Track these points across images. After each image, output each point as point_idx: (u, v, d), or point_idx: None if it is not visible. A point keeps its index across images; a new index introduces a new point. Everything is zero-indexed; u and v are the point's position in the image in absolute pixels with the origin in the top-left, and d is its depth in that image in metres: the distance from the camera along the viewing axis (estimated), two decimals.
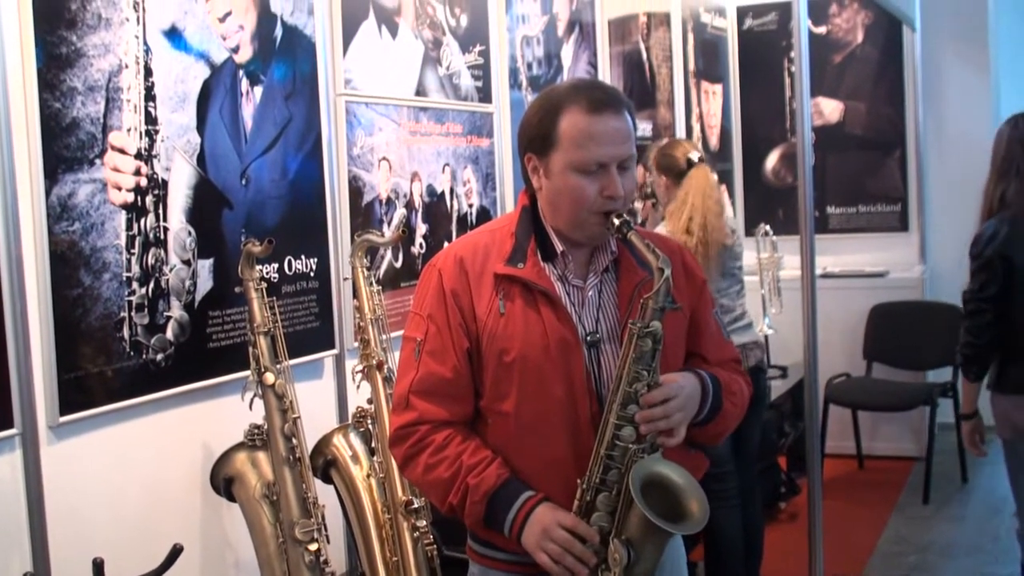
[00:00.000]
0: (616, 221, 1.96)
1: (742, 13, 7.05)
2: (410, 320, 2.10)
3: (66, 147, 2.55)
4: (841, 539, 4.82)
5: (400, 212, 3.75)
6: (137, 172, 2.73)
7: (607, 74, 5.26)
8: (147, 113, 2.76)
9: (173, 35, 2.84)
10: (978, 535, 5.01)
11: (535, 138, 2.03)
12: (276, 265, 3.20)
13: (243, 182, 3.07)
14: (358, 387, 3.16)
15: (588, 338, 2.02)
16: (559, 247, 2.05)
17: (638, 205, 5.37)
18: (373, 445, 3.10)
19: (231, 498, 2.87)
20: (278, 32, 3.21)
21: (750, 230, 6.27)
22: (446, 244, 3.92)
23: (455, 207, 4.05)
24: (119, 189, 2.68)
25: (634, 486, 1.84)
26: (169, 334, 2.84)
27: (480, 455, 1.99)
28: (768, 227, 5.91)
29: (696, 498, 1.89)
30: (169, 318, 2.84)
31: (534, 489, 1.98)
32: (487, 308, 2.01)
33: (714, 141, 6.70)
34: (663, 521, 1.82)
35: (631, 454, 1.90)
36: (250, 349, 2.81)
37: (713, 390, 2.04)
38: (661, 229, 4.11)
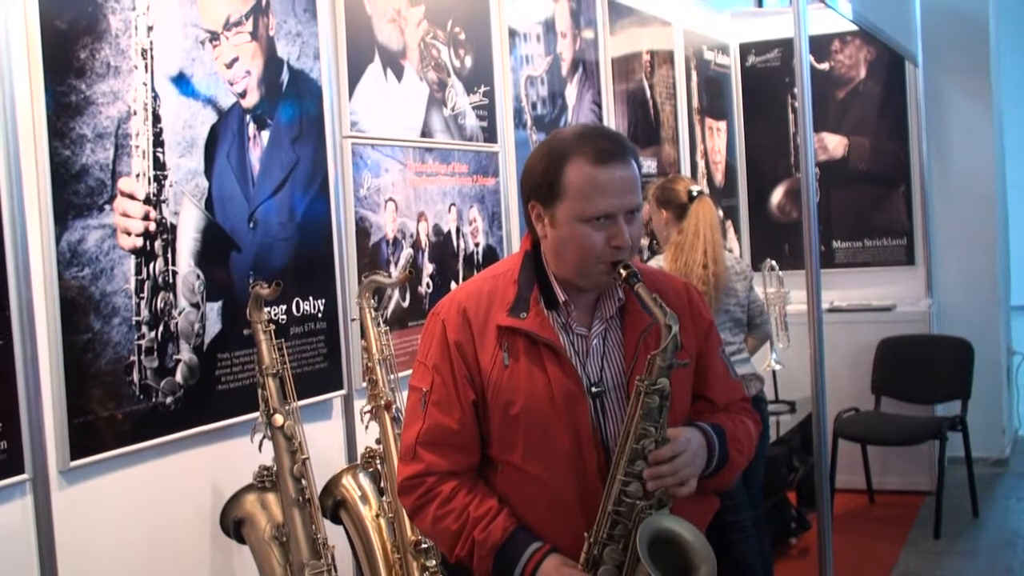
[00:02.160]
0: (623, 272, 1.95)
1: (745, 50, 7.11)
2: (416, 369, 2.10)
3: (76, 194, 2.57)
4: (852, 575, 4.79)
5: (407, 252, 3.77)
6: (146, 217, 2.76)
7: (611, 112, 5.30)
8: (155, 159, 2.79)
9: (181, 81, 2.88)
10: (990, 569, 4.98)
11: (539, 187, 2.01)
12: (284, 307, 3.22)
13: (251, 225, 3.09)
14: (367, 427, 3.17)
15: (593, 389, 2.01)
16: (562, 296, 2.04)
17: (644, 242, 5.39)
18: (382, 485, 3.09)
19: (241, 540, 2.87)
20: (284, 76, 3.24)
21: (756, 265, 6.28)
22: (453, 284, 3.95)
23: (462, 246, 4.07)
24: (128, 234, 2.71)
25: (641, 545, 1.82)
26: (178, 377, 2.85)
27: (486, 506, 1.99)
28: (774, 262, 5.92)
29: (706, 559, 1.86)
30: (178, 361, 2.85)
31: (541, 539, 1.97)
32: (491, 360, 2.00)
33: (719, 177, 6.73)
34: None
35: (639, 510, 1.88)
36: (259, 391, 2.82)
37: (719, 444, 2.02)
38: (657, 261, 4.11)
